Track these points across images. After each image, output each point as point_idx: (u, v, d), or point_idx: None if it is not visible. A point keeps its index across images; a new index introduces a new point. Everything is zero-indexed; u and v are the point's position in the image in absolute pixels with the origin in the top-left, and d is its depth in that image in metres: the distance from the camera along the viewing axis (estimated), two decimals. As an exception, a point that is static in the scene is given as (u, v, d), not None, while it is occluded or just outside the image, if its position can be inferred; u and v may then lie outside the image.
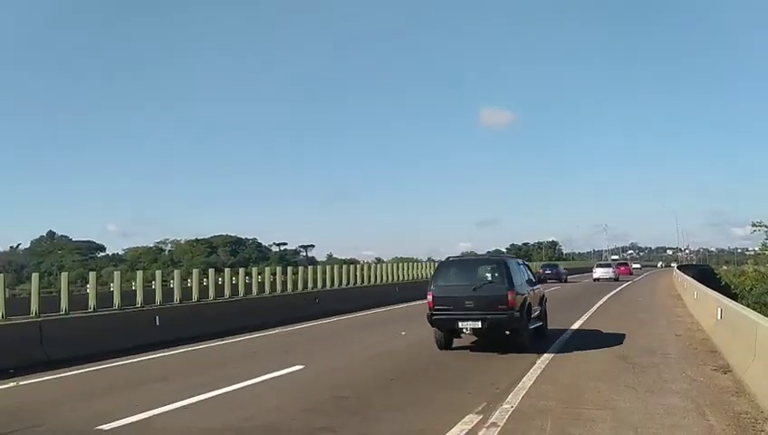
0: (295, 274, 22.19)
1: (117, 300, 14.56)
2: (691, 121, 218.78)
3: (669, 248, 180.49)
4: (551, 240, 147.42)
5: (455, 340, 12.10)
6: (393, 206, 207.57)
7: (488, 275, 11.62)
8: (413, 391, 8.11)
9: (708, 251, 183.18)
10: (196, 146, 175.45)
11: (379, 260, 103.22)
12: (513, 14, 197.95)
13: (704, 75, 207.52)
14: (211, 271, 19.61)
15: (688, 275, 36.04)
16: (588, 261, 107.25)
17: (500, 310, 10.99)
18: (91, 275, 16.38)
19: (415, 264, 37.06)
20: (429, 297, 11.72)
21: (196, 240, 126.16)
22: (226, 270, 20.84)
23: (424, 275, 35.70)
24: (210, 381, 8.99)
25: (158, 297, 15.82)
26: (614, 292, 30.78)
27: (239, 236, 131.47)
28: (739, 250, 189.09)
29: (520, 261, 13.57)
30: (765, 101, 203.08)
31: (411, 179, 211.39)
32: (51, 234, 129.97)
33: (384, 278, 30.68)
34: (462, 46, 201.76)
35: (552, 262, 64.62)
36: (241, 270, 20.38)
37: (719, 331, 11.62)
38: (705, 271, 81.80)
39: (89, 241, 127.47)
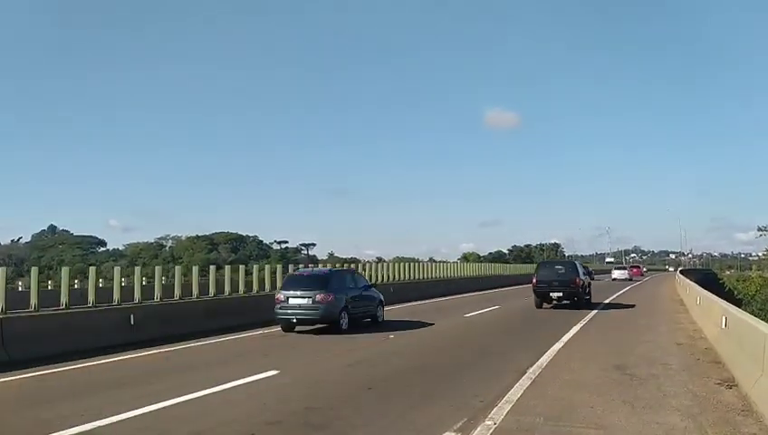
0: (285, 272, 21.53)
1: (91, 297, 13.94)
2: (695, 125, 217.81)
3: (672, 252, 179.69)
4: (553, 242, 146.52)
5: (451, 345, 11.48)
6: (396, 205, 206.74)
7: (564, 268, 22.58)
8: (389, 404, 7.44)
9: (711, 256, 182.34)
10: (200, 143, 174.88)
11: (379, 260, 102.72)
12: (518, 15, 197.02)
13: (708, 80, 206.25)
14: (195, 268, 18.98)
15: (691, 279, 35.41)
16: (590, 264, 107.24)
17: (571, 287, 21.60)
18: (91, 271, 15.95)
19: (414, 264, 36.34)
20: (534, 280, 22.65)
21: (197, 237, 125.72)
22: (227, 267, 20.28)
23: (424, 275, 35.10)
24: (173, 388, 8.34)
25: (137, 295, 15.14)
26: (619, 293, 30.10)
27: (240, 233, 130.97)
28: (742, 255, 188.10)
29: (579, 262, 25.57)
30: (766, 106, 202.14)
31: (414, 179, 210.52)
32: (52, 228, 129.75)
33: (385, 278, 30.06)
34: (467, 47, 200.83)
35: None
36: (241, 267, 19.83)
37: (723, 340, 10.93)
38: (708, 275, 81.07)
39: (90, 236, 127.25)
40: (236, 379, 8.86)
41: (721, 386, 8.34)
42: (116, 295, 14.63)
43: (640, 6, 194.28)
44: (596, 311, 20.86)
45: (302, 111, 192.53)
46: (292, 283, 15.68)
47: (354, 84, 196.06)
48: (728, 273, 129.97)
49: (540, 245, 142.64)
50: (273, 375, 9.34)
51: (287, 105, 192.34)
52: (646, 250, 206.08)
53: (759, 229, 26.83)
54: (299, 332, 15.18)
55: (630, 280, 54.12)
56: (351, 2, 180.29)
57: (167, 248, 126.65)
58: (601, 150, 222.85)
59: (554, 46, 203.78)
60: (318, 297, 14.64)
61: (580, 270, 23.13)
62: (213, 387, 8.34)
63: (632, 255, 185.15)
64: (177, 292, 16.75)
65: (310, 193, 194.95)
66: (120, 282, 16.16)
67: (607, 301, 21.25)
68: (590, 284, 24.62)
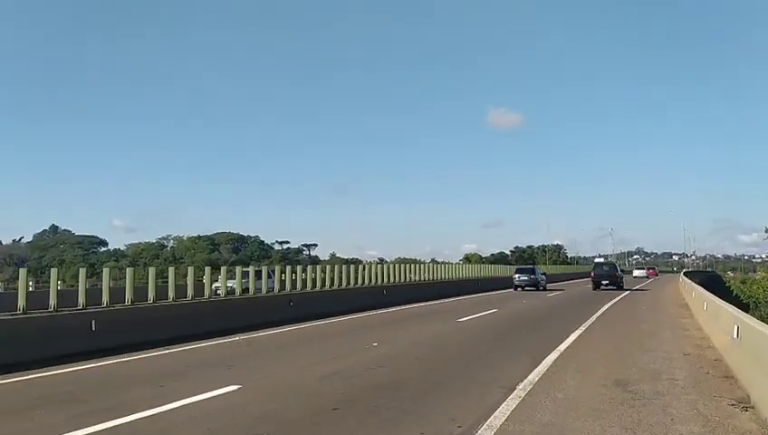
0: (281, 274, 20.56)
1: (53, 301, 12.93)
2: (699, 127, 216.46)
3: (675, 254, 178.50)
4: (555, 243, 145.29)
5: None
6: (398, 206, 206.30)
7: (608, 267, 42.44)
8: (353, 429, 6.43)
9: (715, 257, 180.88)
10: (203, 143, 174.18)
11: (381, 260, 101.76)
12: (522, 15, 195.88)
13: (712, 82, 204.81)
14: (190, 269, 17.86)
15: (695, 281, 34.40)
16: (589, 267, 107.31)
17: (612, 278, 39.23)
18: (81, 272, 15.25)
19: (413, 265, 35.25)
20: (592, 273, 41.40)
21: (199, 237, 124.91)
22: (222, 268, 19.33)
23: (422, 277, 34.04)
24: (115, 406, 7.37)
25: (105, 298, 14.16)
26: (621, 296, 29.06)
27: (242, 233, 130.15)
28: (746, 257, 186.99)
29: (617, 263, 52.33)
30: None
31: (417, 180, 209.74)
32: (54, 228, 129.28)
33: (385, 279, 29.16)
34: (470, 47, 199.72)
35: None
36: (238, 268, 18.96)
37: (735, 352, 9.88)
38: (711, 277, 79.97)
39: (91, 236, 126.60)
40: (186, 397, 7.85)
41: (735, 407, 7.31)
42: (80, 299, 13.66)
43: (644, 6, 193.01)
44: (600, 312, 19.87)
45: (305, 111, 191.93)
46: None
47: (357, 84, 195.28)
48: (731, 275, 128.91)
49: (542, 246, 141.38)
50: (231, 392, 8.33)
51: (289, 105, 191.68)
52: (649, 252, 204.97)
53: (767, 230, 25.76)
54: (285, 340, 14.19)
55: (647, 278, 71.10)
56: (354, 1, 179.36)
57: (168, 249, 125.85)
58: (604, 151, 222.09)
59: (558, 47, 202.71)
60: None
61: (617, 269, 43.37)
62: (155, 408, 7.30)
63: (635, 256, 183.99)
64: (150, 295, 15.74)
65: (312, 194, 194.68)
66: (56, 284, 15.12)
67: (573, 336, 20.24)
68: (623, 277, 42.29)
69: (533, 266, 46.89)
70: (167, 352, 12.35)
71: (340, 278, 24.47)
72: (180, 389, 8.47)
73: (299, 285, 21.67)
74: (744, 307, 36.49)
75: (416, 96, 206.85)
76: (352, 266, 27.16)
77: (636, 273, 76.56)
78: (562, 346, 12.44)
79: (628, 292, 36.42)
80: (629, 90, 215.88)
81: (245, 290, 19.03)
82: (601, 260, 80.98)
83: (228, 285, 19.25)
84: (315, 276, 23.11)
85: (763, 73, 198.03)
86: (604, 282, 38.59)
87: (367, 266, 28.18)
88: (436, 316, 20.26)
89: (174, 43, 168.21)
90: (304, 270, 22.72)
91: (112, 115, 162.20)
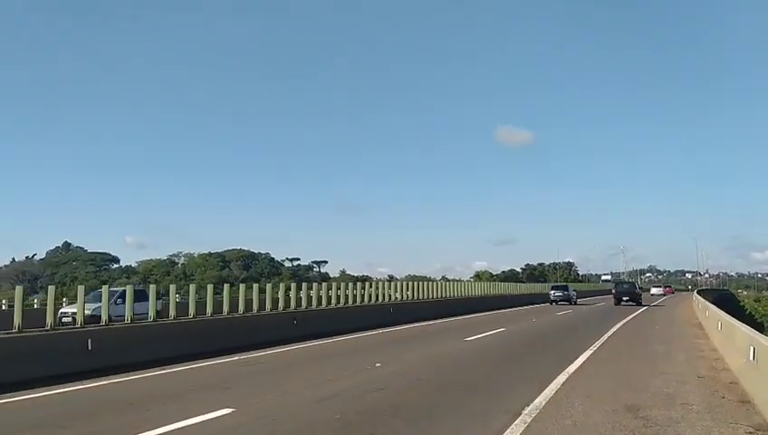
0: (287, 291, 20.26)
1: (49, 320, 12.69)
2: (712, 144, 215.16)
3: (689, 272, 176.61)
4: (567, 261, 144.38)
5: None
6: (409, 223, 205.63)
7: (628, 286, 48.59)
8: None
9: (728, 275, 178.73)
10: (215, 159, 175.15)
11: (391, 278, 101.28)
12: (530, 34, 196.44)
13: (725, 98, 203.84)
14: (191, 287, 17.68)
15: (708, 300, 33.80)
16: (601, 284, 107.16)
17: (634, 294, 44.89)
18: (79, 290, 14.63)
19: (422, 283, 34.75)
20: (614, 291, 47.13)
21: (209, 254, 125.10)
22: (225, 286, 19.11)
23: (431, 295, 33.59)
24: (98, 432, 7.08)
25: (104, 316, 13.90)
26: (634, 314, 28.50)
27: (252, 250, 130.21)
28: (759, 275, 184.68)
29: (635, 282, 63.76)
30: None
31: (428, 197, 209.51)
32: (66, 245, 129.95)
33: (392, 297, 28.88)
34: (479, 64, 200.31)
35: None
36: (241, 286, 18.64)
37: (752, 375, 9.45)
38: (724, 295, 78.81)
39: (104, 253, 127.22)
40: (175, 421, 7.52)
41: (753, 436, 6.91)
42: (78, 317, 13.44)
43: (655, 15, 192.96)
44: (611, 332, 19.37)
45: (317, 128, 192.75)
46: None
47: (367, 101, 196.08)
48: (745, 293, 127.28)
49: (553, 264, 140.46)
50: (224, 416, 8.00)
51: (301, 121, 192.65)
52: (661, 269, 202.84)
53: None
54: (286, 360, 13.86)
55: (664, 295, 76.19)
56: (359, 13, 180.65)
57: (179, 265, 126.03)
58: (616, 168, 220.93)
59: (568, 60, 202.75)
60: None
61: (636, 286, 50.57)
62: (147, 431, 7.03)
63: (647, 274, 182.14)
64: (151, 313, 15.53)
65: (322, 210, 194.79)
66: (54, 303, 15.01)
67: (584, 356, 19.81)
68: (641, 293, 49.86)
69: (567, 285, 54.46)
70: (163, 372, 12.05)
71: (346, 296, 24.13)
72: (170, 413, 8.16)
73: (304, 303, 21.36)
74: (759, 327, 35.74)
75: (428, 114, 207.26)
76: (359, 284, 26.84)
77: (653, 290, 79.11)
78: (571, 368, 12.02)
79: (645, 308, 40.44)
80: (642, 106, 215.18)
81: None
82: (621, 279, 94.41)
83: None
84: (321, 294, 22.83)
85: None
86: (625, 298, 44.40)
87: (374, 284, 27.83)
88: (442, 335, 19.85)
89: (183, 54, 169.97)
90: (310, 287, 22.47)
91: (123, 132, 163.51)
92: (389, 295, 28.33)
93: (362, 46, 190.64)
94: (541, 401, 8.86)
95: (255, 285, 20.99)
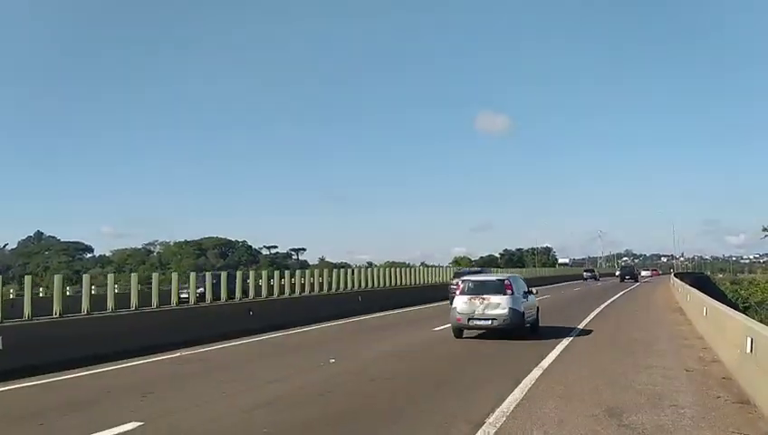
0: (244, 281, 18.76)
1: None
2: (686, 130, 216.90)
3: (664, 256, 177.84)
4: (545, 246, 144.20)
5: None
6: (389, 210, 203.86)
7: (629, 268, 77.18)
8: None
9: (702, 258, 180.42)
10: (190, 149, 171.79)
11: (370, 264, 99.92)
12: (510, 19, 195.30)
13: (702, 82, 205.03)
14: (154, 276, 16.18)
15: (686, 283, 33.19)
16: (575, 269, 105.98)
17: (633, 274, 65.13)
18: (26, 280, 13.72)
19: (397, 269, 33.44)
20: (617, 272, 71.27)
21: (185, 242, 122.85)
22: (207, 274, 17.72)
23: (408, 281, 32.38)
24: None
25: (27, 310, 12.36)
26: (613, 298, 27.52)
27: (229, 238, 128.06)
28: (734, 258, 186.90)
29: (635, 266, 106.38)
30: (760, 111, 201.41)
31: (407, 183, 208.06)
32: (38, 234, 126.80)
33: (369, 284, 27.71)
34: (458, 50, 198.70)
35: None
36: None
37: (750, 370, 8.26)
38: (701, 279, 78.92)
39: (76, 242, 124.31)
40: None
41: (763, 449, 5.69)
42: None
43: (634, 6, 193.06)
44: (589, 319, 18.16)
45: (292, 117, 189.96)
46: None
47: (344, 90, 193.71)
48: (721, 276, 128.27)
49: (532, 249, 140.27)
50: (130, 431, 6.60)
51: (277, 111, 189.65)
52: (638, 253, 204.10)
53: (765, 229, 24.40)
54: (231, 356, 12.46)
55: (651, 276, 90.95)
56: (337, 8, 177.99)
57: (154, 254, 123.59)
58: (592, 154, 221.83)
59: (545, 48, 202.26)
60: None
61: (635, 269, 75.59)
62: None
63: (624, 258, 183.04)
64: (109, 303, 14.21)
65: (301, 198, 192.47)
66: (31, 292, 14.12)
67: (598, 310, 18.70)
68: (639, 274, 72.17)
69: (593, 268, 74.31)
70: (84, 374, 10.49)
71: (311, 284, 22.68)
72: (65, 428, 6.78)
73: (264, 293, 19.94)
74: (738, 309, 35.16)
75: (403, 100, 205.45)
76: (325, 271, 25.46)
77: (643, 273, 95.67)
78: (546, 362, 10.75)
79: (629, 289, 44.54)
80: (619, 91, 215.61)
81: (202, 298, 17.32)
82: (627, 263, 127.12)
83: (182, 296, 17.32)
84: (284, 283, 21.41)
85: (751, 73, 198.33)
86: (627, 277, 61.65)
87: (342, 272, 26.39)
88: (410, 325, 18.58)
89: (157, 45, 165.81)
90: (271, 276, 21.04)
91: (101, 121, 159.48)
92: (360, 282, 26.93)
93: (338, 35, 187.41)
94: (509, 404, 7.59)
95: (208, 274, 19.35)
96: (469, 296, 14.24)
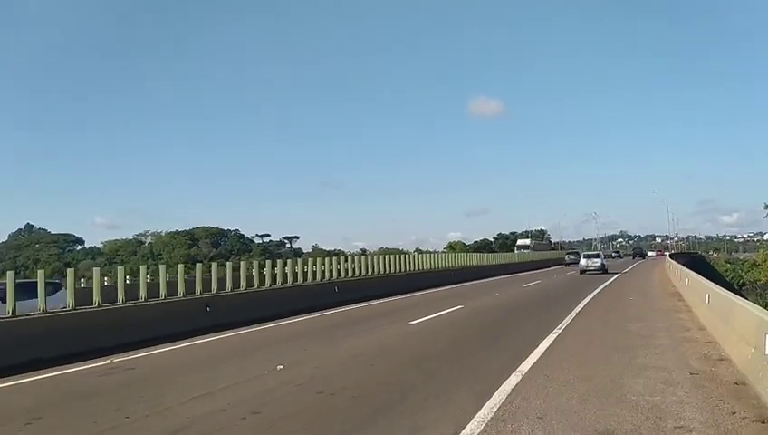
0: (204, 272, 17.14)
1: None
2: (679, 110, 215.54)
3: (659, 236, 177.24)
4: (539, 229, 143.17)
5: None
6: (383, 197, 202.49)
7: (640, 249, 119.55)
8: None
9: (697, 238, 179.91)
10: (182, 138, 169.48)
11: (363, 251, 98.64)
12: (503, 3, 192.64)
13: (694, 62, 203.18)
14: (142, 268, 14.75)
15: (680, 263, 32.02)
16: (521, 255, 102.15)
17: (642, 254, 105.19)
18: (40, 273, 12.72)
19: (385, 257, 31.83)
20: (632, 251, 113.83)
21: (177, 232, 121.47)
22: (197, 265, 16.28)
23: (397, 268, 30.87)
24: None
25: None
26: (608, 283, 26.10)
27: (221, 227, 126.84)
28: (727, 237, 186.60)
29: (643, 248, 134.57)
30: (753, 93, 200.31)
31: (401, 169, 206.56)
32: (29, 227, 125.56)
33: (360, 271, 26.65)
34: (451, 34, 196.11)
35: None
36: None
37: (771, 376, 6.76)
38: (696, 259, 77.80)
39: (67, 234, 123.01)
40: None
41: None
42: None
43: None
44: (580, 307, 16.72)
45: (284, 103, 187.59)
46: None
47: (336, 76, 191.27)
48: (715, 255, 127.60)
49: (526, 232, 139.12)
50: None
51: (268, 97, 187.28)
52: (632, 235, 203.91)
53: (766, 207, 22.97)
54: (164, 363, 10.87)
55: (656, 256, 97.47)
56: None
57: (146, 245, 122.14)
58: (586, 135, 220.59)
59: (535, 31, 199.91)
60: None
61: (642, 250, 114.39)
62: None
63: (619, 239, 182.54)
64: (96, 298, 12.84)
65: (295, 186, 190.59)
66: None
67: (592, 295, 17.40)
68: (646, 254, 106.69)
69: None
70: (21, 382, 8.96)
71: (284, 274, 21.04)
72: None
73: (229, 285, 18.32)
74: (735, 290, 33.91)
75: (397, 85, 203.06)
76: (300, 260, 23.85)
77: (650, 253, 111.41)
78: (525, 366, 9.14)
79: (628, 270, 47.76)
80: (610, 71, 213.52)
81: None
82: (639, 245, 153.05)
83: None
84: (251, 273, 19.81)
85: (742, 53, 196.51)
86: (637, 255, 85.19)
87: (319, 260, 24.73)
88: (386, 318, 17.02)
89: (154, 35, 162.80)
90: (237, 268, 19.41)
91: (93, 112, 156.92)
92: (339, 271, 25.29)
93: (330, 22, 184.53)
94: (481, 419, 6.08)
95: (181, 266, 17.70)
96: (586, 259, 43.00)
